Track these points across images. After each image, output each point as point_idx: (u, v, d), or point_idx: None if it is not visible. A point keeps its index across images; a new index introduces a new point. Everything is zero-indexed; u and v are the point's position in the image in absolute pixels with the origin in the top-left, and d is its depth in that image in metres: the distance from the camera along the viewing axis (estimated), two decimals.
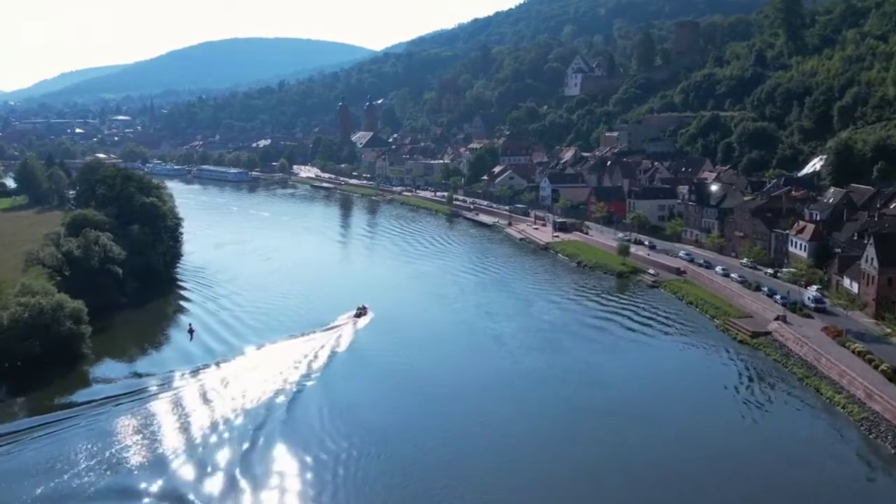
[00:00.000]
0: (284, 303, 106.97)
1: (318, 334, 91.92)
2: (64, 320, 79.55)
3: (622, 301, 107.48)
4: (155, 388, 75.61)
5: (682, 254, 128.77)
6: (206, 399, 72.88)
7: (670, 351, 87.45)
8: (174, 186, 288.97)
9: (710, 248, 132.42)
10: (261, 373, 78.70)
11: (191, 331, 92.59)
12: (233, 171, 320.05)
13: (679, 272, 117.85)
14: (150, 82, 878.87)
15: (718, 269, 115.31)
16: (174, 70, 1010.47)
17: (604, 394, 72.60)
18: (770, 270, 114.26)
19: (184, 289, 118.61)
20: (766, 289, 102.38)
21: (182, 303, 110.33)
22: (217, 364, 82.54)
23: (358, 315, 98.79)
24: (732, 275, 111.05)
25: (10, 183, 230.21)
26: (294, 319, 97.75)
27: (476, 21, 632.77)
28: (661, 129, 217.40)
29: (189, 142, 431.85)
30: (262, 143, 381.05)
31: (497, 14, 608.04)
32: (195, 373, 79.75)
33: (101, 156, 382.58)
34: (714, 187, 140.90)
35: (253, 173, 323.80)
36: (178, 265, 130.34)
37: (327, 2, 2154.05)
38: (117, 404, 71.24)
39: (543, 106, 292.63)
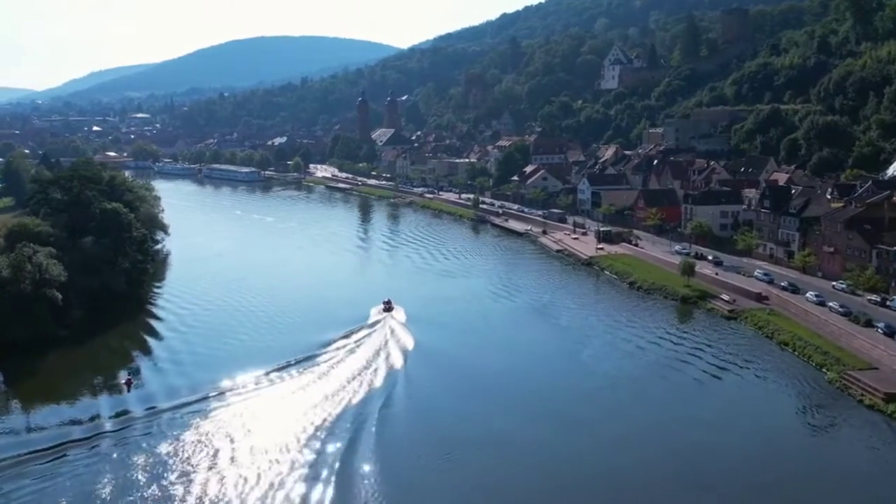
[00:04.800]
0: (258, 341, 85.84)
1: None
2: None
3: (694, 339, 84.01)
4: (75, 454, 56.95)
5: (758, 273, 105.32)
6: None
7: (777, 426, 62.57)
8: (183, 187, 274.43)
9: (791, 265, 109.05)
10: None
11: (128, 382, 70.86)
12: (244, 170, 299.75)
13: (760, 298, 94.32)
14: (177, 81, 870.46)
15: (810, 294, 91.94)
16: (200, 68, 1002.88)
17: None
18: (874, 297, 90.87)
19: (151, 313, 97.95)
20: (882, 325, 79.17)
21: (142, 333, 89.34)
22: (161, 414, 63.67)
23: (386, 310, 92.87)
24: (831, 304, 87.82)
25: None
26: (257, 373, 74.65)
27: (504, 16, 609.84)
28: (713, 124, 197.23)
29: (206, 140, 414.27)
30: (278, 140, 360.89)
31: (526, 9, 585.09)
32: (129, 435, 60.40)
33: (112, 154, 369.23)
34: (793, 191, 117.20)
35: (266, 173, 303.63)
36: (150, 283, 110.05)
37: (354, 0, 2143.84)
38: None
39: (578, 100, 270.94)
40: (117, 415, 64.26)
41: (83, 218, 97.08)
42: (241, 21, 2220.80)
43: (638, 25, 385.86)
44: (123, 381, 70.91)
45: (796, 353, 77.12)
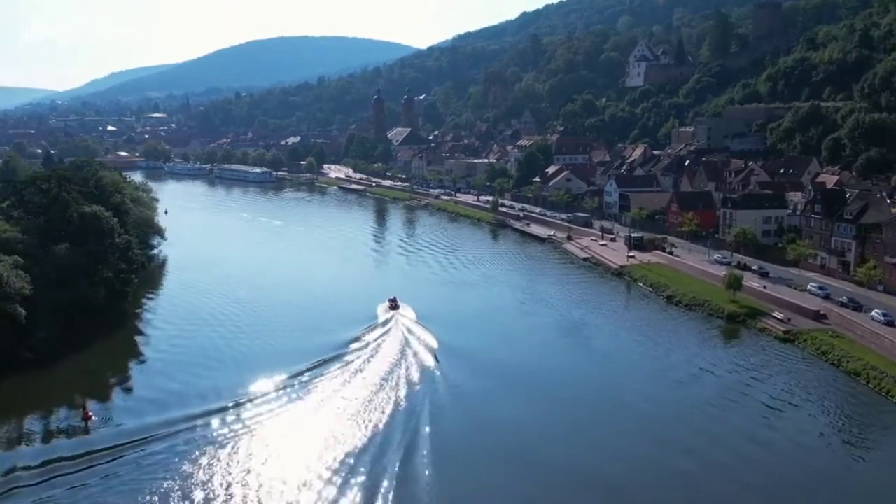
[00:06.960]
0: (251, 354, 75.98)
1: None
2: None
3: (747, 367, 72.58)
4: None
5: (812, 287, 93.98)
6: None
7: (861, 489, 51.15)
8: (192, 188, 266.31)
9: (847, 278, 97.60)
10: None
11: (86, 417, 60.89)
12: (256, 170, 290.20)
13: (818, 316, 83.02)
14: (196, 81, 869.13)
15: (877, 313, 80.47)
16: (220, 69, 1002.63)
17: None
18: None
19: (135, 329, 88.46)
20: None
21: (119, 353, 79.73)
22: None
23: (392, 307, 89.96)
24: None
25: None
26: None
27: (525, 15, 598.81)
28: (747, 122, 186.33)
29: (220, 139, 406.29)
30: (291, 140, 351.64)
31: (547, 7, 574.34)
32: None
33: (123, 154, 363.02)
34: (847, 195, 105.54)
35: (279, 173, 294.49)
36: (136, 295, 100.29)
37: (374, 0, 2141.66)
38: None
39: (602, 98, 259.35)
40: (73, 455, 54.76)
41: (59, 223, 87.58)
42: (261, 21, 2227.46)
43: (662, 23, 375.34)
44: (81, 417, 60.83)
45: (871, 385, 65.71)
